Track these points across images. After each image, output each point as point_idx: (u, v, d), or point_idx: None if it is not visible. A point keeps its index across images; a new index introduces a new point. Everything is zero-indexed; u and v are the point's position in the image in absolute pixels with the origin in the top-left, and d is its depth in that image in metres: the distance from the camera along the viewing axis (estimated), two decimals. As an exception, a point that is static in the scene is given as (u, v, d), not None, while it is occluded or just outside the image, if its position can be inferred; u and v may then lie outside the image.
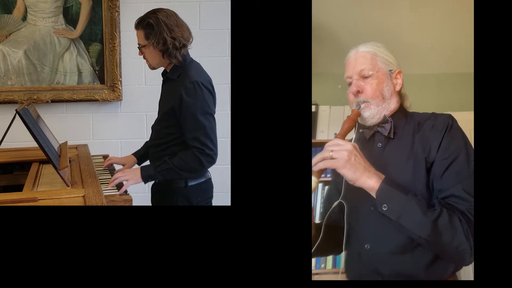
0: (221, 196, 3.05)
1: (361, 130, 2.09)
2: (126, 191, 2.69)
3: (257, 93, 2.04)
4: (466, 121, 3.43)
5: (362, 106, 2.01)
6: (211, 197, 2.93)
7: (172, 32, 2.69)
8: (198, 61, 2.89)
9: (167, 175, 2.74)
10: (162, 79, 2.91)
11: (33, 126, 2.49)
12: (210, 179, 2.91)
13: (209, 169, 2.89)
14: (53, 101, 3.80)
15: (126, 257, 2.02)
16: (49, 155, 2.51)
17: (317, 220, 2.21)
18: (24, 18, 3.72)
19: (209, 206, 2.89)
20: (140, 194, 3.33)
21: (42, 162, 2.99)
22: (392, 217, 1.79)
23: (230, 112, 2.06)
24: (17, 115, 2.45)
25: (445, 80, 3.58)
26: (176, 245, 2.02)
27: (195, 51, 2.93)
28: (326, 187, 2.33)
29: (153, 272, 2.01)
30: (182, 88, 2.67)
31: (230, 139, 2.08)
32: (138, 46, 2.78)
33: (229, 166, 2.27)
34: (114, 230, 2.03)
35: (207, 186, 2.88)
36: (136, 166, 3.07)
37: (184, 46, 2.75)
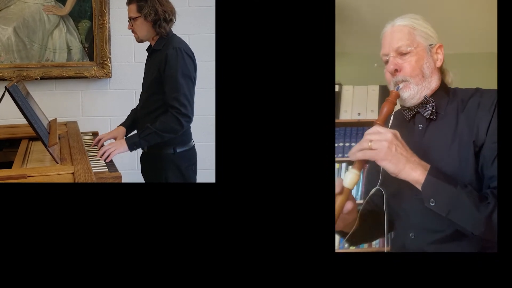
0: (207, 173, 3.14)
1: (400, 110, 1.96)
2: (115, 167, 2.73)
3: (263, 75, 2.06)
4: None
5: (401, 86, 1.85)
6: (196, 163, 3.11)
7: (162, 5, 2.92)
8: (187, 38, 3.02)
9: (151, 139, 2.91)
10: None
11: (23, 103, 2.49)
12: (194, 146, 3.10)
13: (193, 139, 3.08)
14: (42, 78, 3.78)
15: (115, 233, 2.04)
16: (39, 132, 2.52)
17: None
18: (14, -5, 3.71)
19: (194, 183, 3.07)
20: (129, 171, 3.36)
21: (31, 139, 3.00)
22: (441, 213, 1.66)
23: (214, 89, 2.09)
24: (6, 92, 2.46)
25: (468, 60, 3.56)
26: (164, 221, 2.05)
27: (184, 28, 3.00)
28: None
29: (143, 248, 2.04)
30: (167, 53, 2.87)
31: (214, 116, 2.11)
32: (129, 19, 2.96)
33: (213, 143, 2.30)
34: (103, 206, 2.06)
35: (192, 153, 3.09)
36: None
37: (171, 20, 2.97)
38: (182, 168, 3.00)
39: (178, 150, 2.98)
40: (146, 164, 3.12)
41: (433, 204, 1.66)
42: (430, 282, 1.96)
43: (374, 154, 1.69)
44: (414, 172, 1.66)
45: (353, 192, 3.41)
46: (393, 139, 1.68)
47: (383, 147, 1.67)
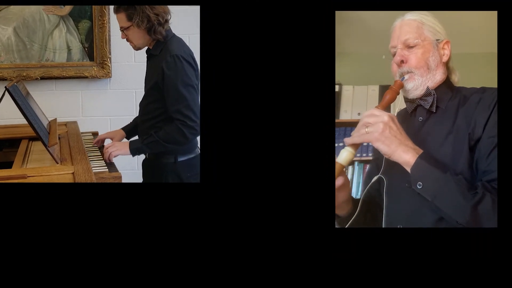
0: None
1: (404, 109, 1.98)
2: (115, 167, 2.73)
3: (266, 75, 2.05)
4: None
5: (406, 77, 1.87)
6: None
7: (154, 8, 2.75)
8: (187, 38, 2.92)
9: (154, 147, 2.82)
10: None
11: (23, 103, 2.49)
12: (199, 154, 2.95)
13: (198, 146, 2.95)
14: (42, 78, 3.79)
15: (115, 232, 2.04)
16: (39, 132, 2.52)
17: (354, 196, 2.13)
18: (13, -5, 3.71)
19: (182, 183, 2.93)
20: (129, 171, 3.36)
21: (31, 139, 3.00)
22: (427, 196, 1.67)
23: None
24: (6, 92, 2.46)
25: (468, 60, 3.56)
26: (163, 221, 2.05)
27: (184, 28, 2.96)
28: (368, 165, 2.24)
29: (142, 248, 2.04)
30: (163, 62, 2.74)
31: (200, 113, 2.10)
32: (121, 29, 2.82)
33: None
34: (103, 206, 2.06)
35: (196, 162, 2.92)
36: (125, 140, 3.11)
37: (166, 21, 2.81)
38: (183, 177, 2.88)
39: (180, 159, 2.87)
40: (147, 171, 3.04)
41: (420, 187, 1.67)
42: (429, 257, 1.96)
43: (368, 136, 1.73)
44: (406, 155, 1.68)
45: (353, 191, 3.42)
46: (389, 121, 1.71)
47: (378, 128, 1.70)
